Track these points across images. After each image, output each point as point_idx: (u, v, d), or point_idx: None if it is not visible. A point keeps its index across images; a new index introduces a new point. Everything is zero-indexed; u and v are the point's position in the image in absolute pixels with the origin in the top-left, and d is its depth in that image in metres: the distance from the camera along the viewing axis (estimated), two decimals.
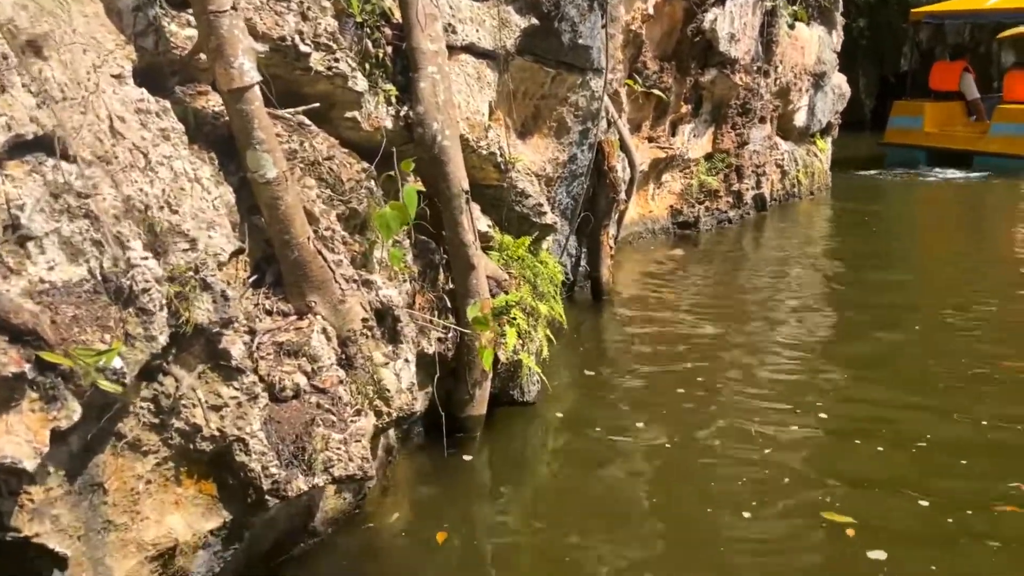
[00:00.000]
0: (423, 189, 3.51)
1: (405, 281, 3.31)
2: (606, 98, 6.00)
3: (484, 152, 3.89)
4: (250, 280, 2.63)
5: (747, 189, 8.65)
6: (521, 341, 3.85)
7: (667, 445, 3.66)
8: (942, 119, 12.35)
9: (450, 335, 3.50)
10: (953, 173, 11.42)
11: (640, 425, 3.90)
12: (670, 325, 5.39)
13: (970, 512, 3.06)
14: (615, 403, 4.22)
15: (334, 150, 3.00)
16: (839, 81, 10.29)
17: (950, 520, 3.01)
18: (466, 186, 3.47)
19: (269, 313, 2.59)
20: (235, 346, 2.31)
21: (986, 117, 11.89)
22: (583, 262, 6.01)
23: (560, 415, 4.08)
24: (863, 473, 3.41)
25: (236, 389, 2.29)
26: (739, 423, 3.86)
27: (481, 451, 3.67)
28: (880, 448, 3.60)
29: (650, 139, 7.65)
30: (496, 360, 3.61)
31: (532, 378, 3.95)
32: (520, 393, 3.90)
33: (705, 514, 3.12)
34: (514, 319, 3.79)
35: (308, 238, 2.60)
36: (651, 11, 6.93)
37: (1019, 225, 8.94)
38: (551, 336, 4.30)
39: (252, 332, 2.48)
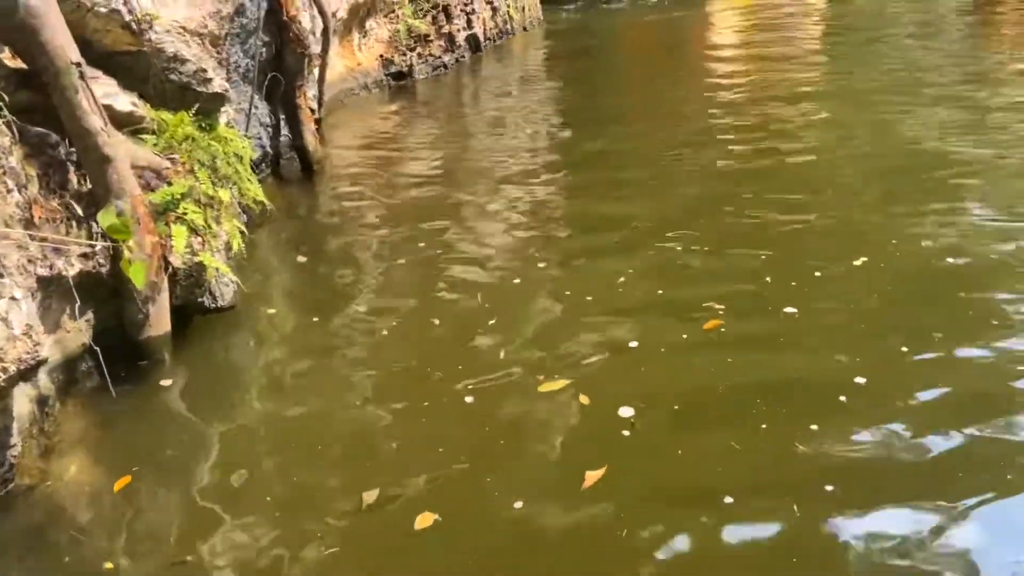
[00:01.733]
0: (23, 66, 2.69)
1: (12, 190, 2.55)
2: None
3: (103, 10, 3.05)
4: None
5: (459, 30, 8.21)
6: (200, 239, 3.25)
7: (392, 326, 3.35)
8: None
9: (98, 247, 2.82)
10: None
11: (361, 309, 3.54)
12: (389, 193, 4.98)
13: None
14: (333, 288, 3.80)
15: None
16: None
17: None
18: (76, 56, 2.69)
19: None
20: None
21: None
22: (284, 131, 5.33)
23: (272, 312, 3.60)
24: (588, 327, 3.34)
25: None
26: (464, 296, 3.63)
27: (175, 375, 3.12)
28: (589, 297, 3.55)
29: None
30: (167, 266, 3.01)
31: (223, 280, 3.39)
32: (212, 299, 3.34)
33: (443, 390, 2.88)
34: (184, 214, 3.16)
35: None
36: None
37: (701, 47, 9.32)
38: (243, 228, 3.72)
39: None
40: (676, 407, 2.72)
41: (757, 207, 4.29)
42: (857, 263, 3.58)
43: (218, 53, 4.32)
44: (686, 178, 4.80)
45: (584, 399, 2.77)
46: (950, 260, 3.57)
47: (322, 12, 5.66)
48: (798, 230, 4.02)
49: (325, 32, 5.76)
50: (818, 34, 9.07)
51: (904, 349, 2.95)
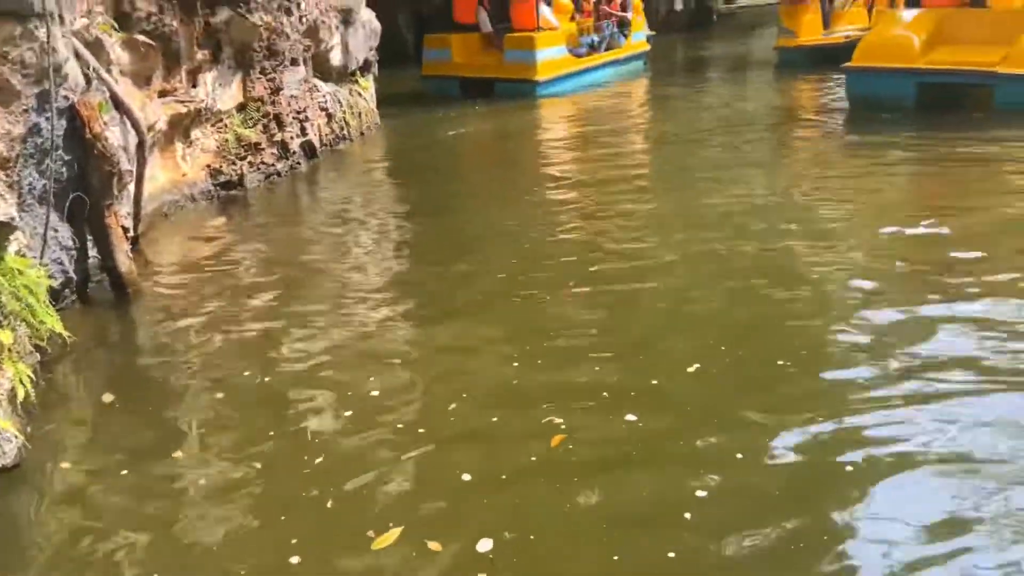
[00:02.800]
0: None
1: None
2: (81, 49, 4.87)
3: None
4: None
5: (292, 138, 8.04)
6: None
7: (211, 476, 3.01)
8: (467, 50, 13.02)
9: None
10: (481, 101, 12.14)
11: (179, 457, 3.17)
12: (214, 315, 4.63)
13: None
14: (145, 432, 3.40)
15: None
16: (368, 17, 10.07)
17: None
18: None
19: None
20: None
21: (500, 45, 12.77)
22: (93, 252, 4.89)
23: (66, 467, 3.16)
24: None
25: None
26: (294, 437, 3.36)
27: None
28: (422, 430, 3.39)
29: (165, 92, 6.57)
30: None
31: (4, 435, 2.95)
32: None
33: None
34: None
35: None
36: None
37: (538, 149, 9.66)
38: (33, 371, 3.30)
39: None
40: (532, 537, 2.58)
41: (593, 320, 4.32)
42: (691, 370, 3.63)
43: (8, 176, 3.93)
44: (527, 288, 4.80)
45: (434, 545, 2.56)
46: (780, 363, 3.69)
47: (136, 126, 5.36)
48: (626, 340, 4.07)
49: (140, 147, 5.44)
50: (642, 140, 9.64)
51: (739, 456, 2.97)
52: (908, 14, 9.33)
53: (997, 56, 8.13)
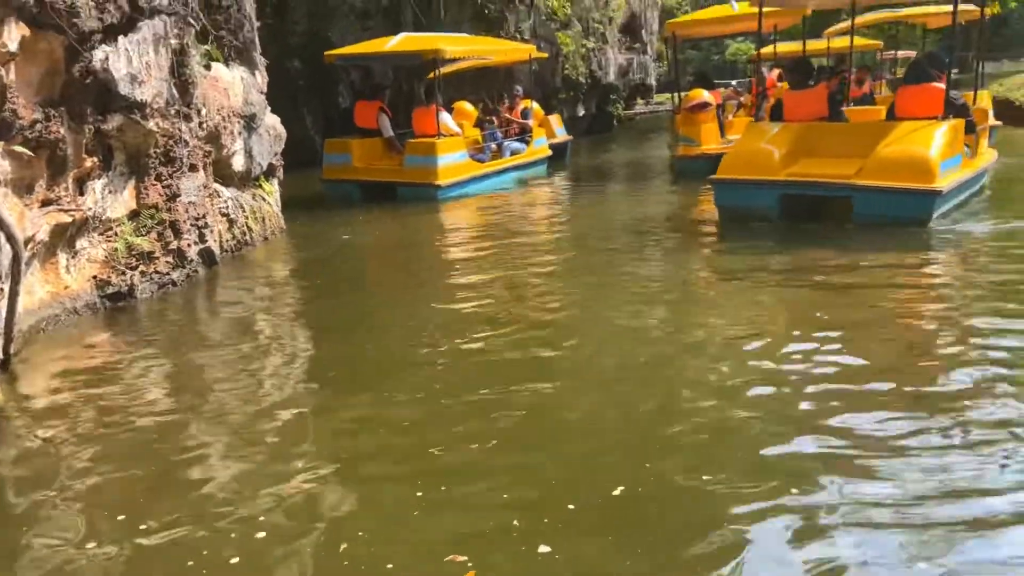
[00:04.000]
0: None
1: None
2: None
3: None
4: None
5: (189, 245, 7.73)
6: None
7: None
8: (367, 155, 13.14)
9: None
10: (385, 205, 12.18)
11: None
12: (94, 440, 4.22)
13: None
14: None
15: None
16: (273, 122, 10.01)
17: None
18: None
19: None
20: None
21: (401, 150, 12.93)
22: None
23: None
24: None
25: None
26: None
27: None
28: None
29: (48, 201, 6.22)
30: None
31: None
32: None
33: None
34: None
35: None
36: (15, 49, 5.57)
37: (440, 255, 9.60)
38: None
39: None
40: None
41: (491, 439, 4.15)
42: (616, 493, 3.48)
43: None
44: (434, 401, 4.60)
45: None
46: (707, 476, 3.60)
47: (11, 238, 5.01)
48: (541, 464, 3.91)
49: (15, 260, 5.08)
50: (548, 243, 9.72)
51: None
52: (771, 127, 9.58)
53: (854, 168, 8.42)
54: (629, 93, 29.30)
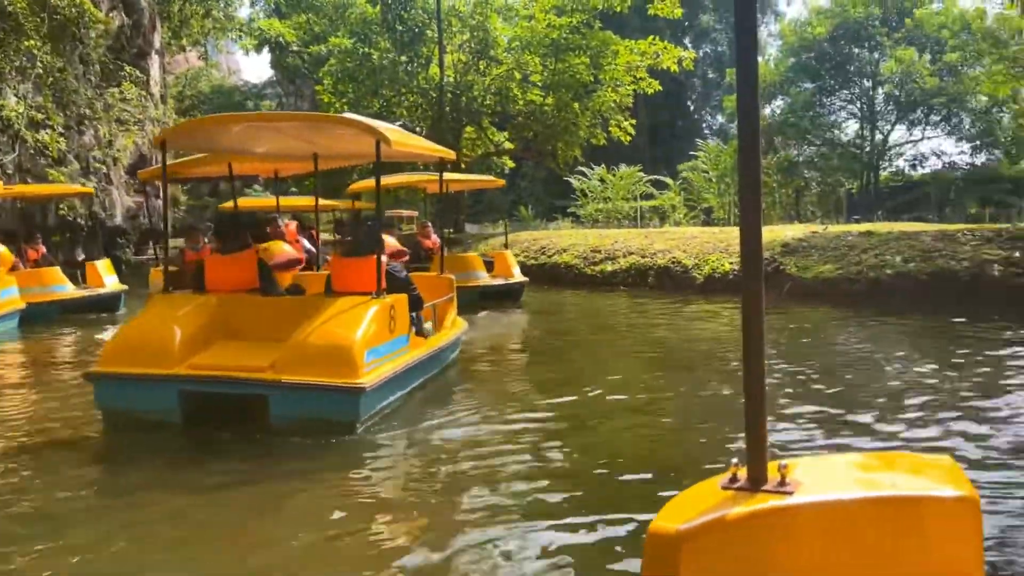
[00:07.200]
0: None
1: None
2: None
3: None
4: None
5: None
6: None
7: None
8: None
9: None
10: None
11: None
12: None
13: None
14: None
15: None
16: None
17: None
18: None
19: None
20: None
21: None
22: None
23: None
24: None
25: None
26: None
27: None
28: None
29: None
30: None
31: None
32: None
33: None
34: None
35: None
36: None
37: None
38: None
39: None
40: None
41: None
42: None
43: None
44: None
45: None
46: None
47: None
48: None
49: None
50: None
51: None
52: (183, 301, 7.34)
53: (271, 359, 6.51)
54: (140, 238, 26.08)
